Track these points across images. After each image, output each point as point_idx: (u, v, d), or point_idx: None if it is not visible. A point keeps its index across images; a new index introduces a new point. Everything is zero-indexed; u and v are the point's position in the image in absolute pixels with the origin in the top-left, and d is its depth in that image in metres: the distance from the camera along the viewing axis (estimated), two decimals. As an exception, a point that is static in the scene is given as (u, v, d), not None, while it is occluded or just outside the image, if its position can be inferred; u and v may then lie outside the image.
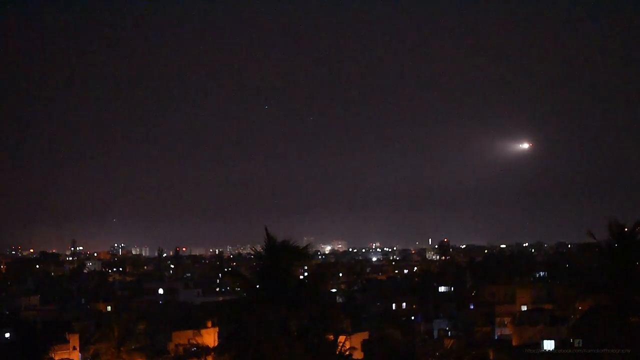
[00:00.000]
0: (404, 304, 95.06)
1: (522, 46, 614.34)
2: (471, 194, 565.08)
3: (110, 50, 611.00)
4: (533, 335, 58.68)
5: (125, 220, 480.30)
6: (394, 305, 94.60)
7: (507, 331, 69.50)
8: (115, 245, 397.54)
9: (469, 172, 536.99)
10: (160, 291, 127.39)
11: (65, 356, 59.87)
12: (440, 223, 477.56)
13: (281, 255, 29.80)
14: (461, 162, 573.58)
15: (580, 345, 35.95)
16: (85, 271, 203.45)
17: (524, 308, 74.22)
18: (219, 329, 54.60)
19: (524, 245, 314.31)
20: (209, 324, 62.94)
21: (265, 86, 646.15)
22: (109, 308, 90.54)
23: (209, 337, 58.77)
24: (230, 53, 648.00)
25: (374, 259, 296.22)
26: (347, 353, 34.66)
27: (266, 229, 30.27)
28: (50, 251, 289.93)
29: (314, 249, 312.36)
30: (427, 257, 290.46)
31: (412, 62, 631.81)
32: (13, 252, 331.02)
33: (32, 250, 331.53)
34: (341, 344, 34.31)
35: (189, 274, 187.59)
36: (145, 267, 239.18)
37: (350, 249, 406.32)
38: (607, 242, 35.90)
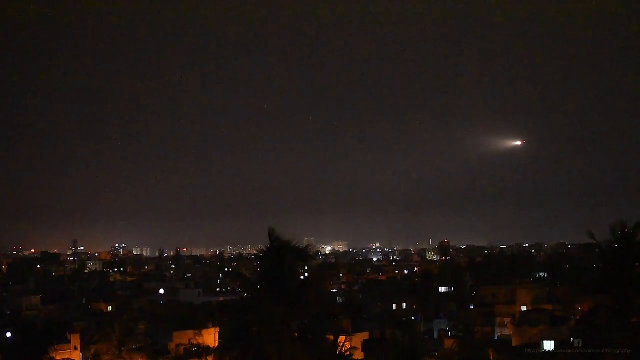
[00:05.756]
0: (405, 305, 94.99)
1: (521, 45, 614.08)
2: (471, 194, 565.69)
3: (111, 51, 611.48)
4: (533, 335, 58.59)
5: (126, 221, 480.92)
6: (394, 305, 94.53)
7: (507, 331, 69.50)
8: (117, 245, 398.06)
9: (469, 172, 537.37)
10: (161, 291, 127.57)
11: (67, 356, 59.87)
12: (441, 223, 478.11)
13: (283, 256, 29.86)
14: (461, 162, 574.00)
15: (581, 345, 36.05)
16: (86, 271, 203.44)
17: (524, 308, 74.14)
18: (219, 329, 54.61)
19: (524, 245, 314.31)
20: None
21: (264, 86, 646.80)
22: (110, 308, 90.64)
23: (210, 337, 58.74)
24: (229, 53, 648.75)
25: (375, 259, 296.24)
26: (347, 353, 34.73)
27: (269, 230, 30.36)
28: (52, 251, 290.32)
29: (315, 250, 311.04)
30: (427, 257, 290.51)
31: (412, 63, 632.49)
32: (14, 252, 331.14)
33: (33, 251, 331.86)
34: (342, 344, 34.41)
35: (189, 274, 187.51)
36: (146, 268, 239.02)
37: (351, 250, 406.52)
38: (607, 242, 35.96)
